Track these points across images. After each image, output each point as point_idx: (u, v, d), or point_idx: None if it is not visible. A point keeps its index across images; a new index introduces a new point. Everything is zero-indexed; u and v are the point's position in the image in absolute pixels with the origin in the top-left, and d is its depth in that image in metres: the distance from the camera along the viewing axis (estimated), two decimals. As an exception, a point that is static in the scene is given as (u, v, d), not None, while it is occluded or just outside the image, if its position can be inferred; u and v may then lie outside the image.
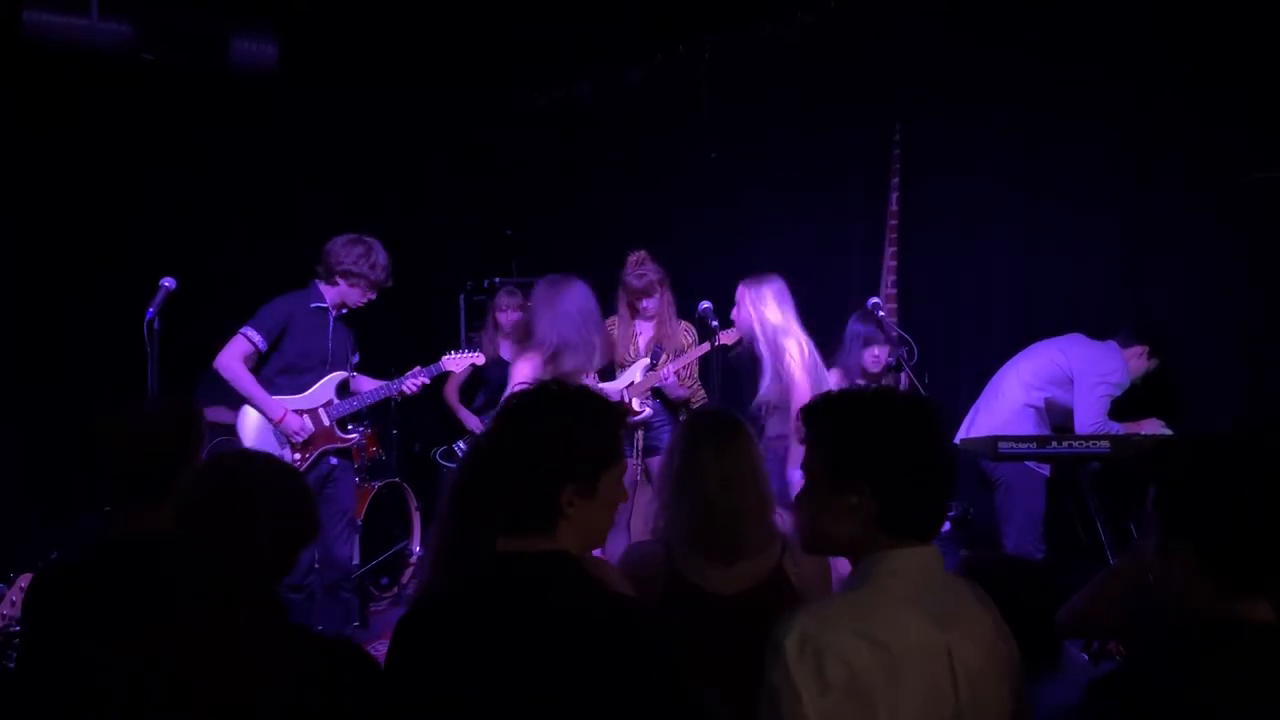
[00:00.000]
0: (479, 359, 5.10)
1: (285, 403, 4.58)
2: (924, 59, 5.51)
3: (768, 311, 4.42)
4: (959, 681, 1.59)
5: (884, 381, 5.12)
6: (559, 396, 1.80)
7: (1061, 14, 5.06)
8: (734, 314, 4.55)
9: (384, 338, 4.97)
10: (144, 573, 2.11)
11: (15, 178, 5.66)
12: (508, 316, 5.80)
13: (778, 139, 6.31)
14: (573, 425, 1.74)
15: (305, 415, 4.61)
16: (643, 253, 5.16)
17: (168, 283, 4.33)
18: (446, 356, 4.99)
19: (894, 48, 5.58)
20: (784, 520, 2.55)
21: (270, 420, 4.52)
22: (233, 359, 4.47)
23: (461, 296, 7.07)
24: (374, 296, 4.72)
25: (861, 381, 5.11)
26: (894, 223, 5.88)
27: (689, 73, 6.38)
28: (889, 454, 1.67)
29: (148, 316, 4.22)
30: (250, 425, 4.58)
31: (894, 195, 5.86)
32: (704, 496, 2.40)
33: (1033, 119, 5.28)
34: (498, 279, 6.84)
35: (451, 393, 5.80)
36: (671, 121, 6.64)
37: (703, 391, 5.13)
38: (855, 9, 5.61)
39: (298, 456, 4.57)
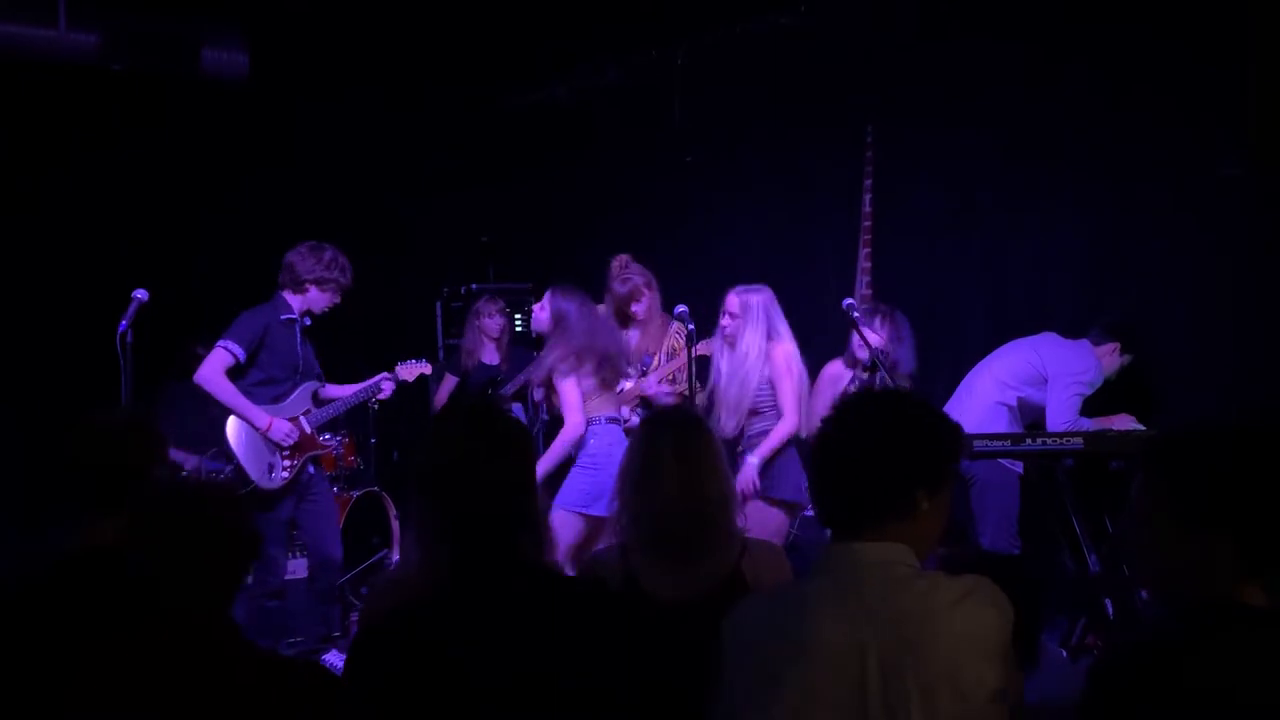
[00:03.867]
0: (426, 368, 5.14)
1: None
2: (897, 60, 5.53)
3: (775, 317, 4.43)
4: (869, 683, 1.58)
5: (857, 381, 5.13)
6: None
7: (1034, 12, 5.10)
8: (726, 322, 4.49)
9: (361, 345, 4.98)
10: (98, 588, 2.08)
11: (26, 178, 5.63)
12: (495, 323, 5.82)
13: (752, 141, 6.32)
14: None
15: (289, 421, 4.64)
16: (625, 257, 5.13)
17: (140, 294, 4.32)
18: (400, 365, 5.03)
19: (867, 49, 5.60)
20: (744, 520, 2.54)
21: (257, 429, 4.53)
22: (215, 372, 4.48)
23: (438, 303, 7.05)
24: (339, 301, 4.75)
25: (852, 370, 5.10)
26: (868, 224, 5.90)
27: (663, 76, 6.39)
28: (814, 450, 1.79)
29: (120, 329, 4.20)
30: (238, 437, 4.58)
31: (867, 197, 5.89)
32: (661, 498, 2.37)
33: (1005, 118, 5.31)
34: (474, 285, 6.84)
35: (440, 402, 5.81)
36: (646, 125, 6.65)
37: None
38: (828, 11, 5.64)
39: (287, 463, 4.61)
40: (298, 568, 5.28)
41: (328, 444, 4.81)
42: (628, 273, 5.04)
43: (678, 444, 2.44)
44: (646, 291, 5.02)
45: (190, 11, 5.78)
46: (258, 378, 4.59)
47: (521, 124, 7.19)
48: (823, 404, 4.63)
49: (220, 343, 4.50)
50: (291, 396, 4.67)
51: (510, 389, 5.50)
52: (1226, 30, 4.53)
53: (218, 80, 5.85)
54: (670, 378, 5.02)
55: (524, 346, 6.24)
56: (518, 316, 6.94)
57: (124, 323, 4.22)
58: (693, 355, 4.43)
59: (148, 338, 4.40)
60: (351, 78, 6.45)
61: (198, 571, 1.81)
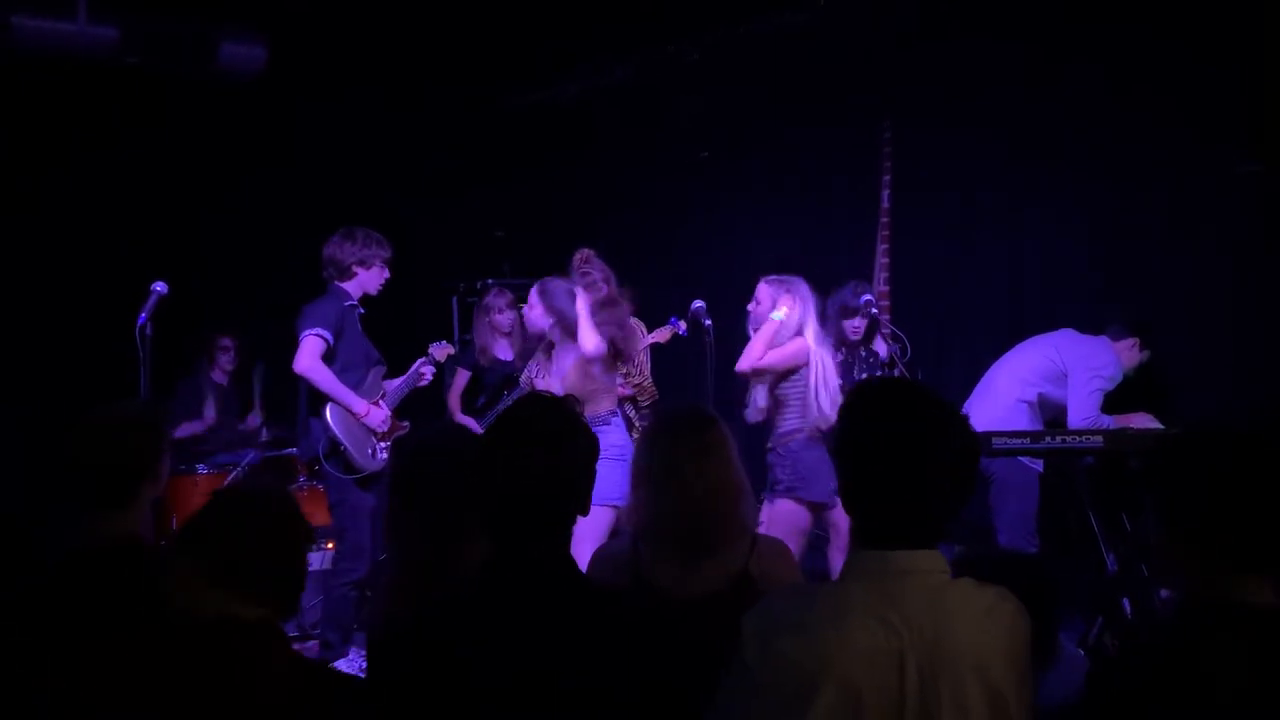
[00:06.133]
0: (450, 349, 5.25)
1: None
2: (913, 56, 5.51)
3: (806, 310, 4.42)
4: (907, 692, 1.57)
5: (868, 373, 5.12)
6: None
7: (1043, 13, 5.07)
8: (752, 307, 4.50)
9: (378, 341, 4.98)
10: (102, 586, 2.07)
11: (24, 179, 5.65)
12: (505, 318, 5.81)
13: (767, 137, 6.31)
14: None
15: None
16: (588, 251, 5.09)
17: (159, 287, 4.33)
18: (432, 347, 5.10)
19: (883, 45, 5.59)
20: (757, 517, 2.53)
21: (355, 414, 4.58)
22: (313, 359, 4.46)
23: (454, 299, 7.06)
24: (389, 274, 4.77)
25: (841, 352, 5.09)
26: (886, 220, 5.89)
27: (678, 72, 6.38)
28: (849, 456, 1.72)
29: (139, 321, 4.21)
30: (339, 424, 4.59)
31: (885, 193, 5.88)
32: (672, 495, 2.37)
33: (1020, 113, 5.30)
34: (490, 280, 6.84)
35: (454, 398, 5.82)
36: (661, 121, 6.64)
37: (653, 388, 5.13)
38: (843, 9, 5.62)
39: (383, 445, 4.71)
40: (314, 560, 5.31)
41: (404, 424, 4.89)
42: (588, 267, 5.02)
43: (690, 441, 2.43)
44: (605, 287, 4.99)
45: (209, 7, 5.80)
46: (337, 367, 4.59)
47: (530, 122, 7.20)
48: None
49: (308, 332, 4.46)
50: (367, 382, 4.72)
51: (526, 389, 5.52)
52: (1239, 28, 4.51)
53: (235, 75, 5.86)
54: (623, 371, 5.03)
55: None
56: (535, 311, 6.94)
57: (143, 315, 4.23)
58: (707, 349, 4.46)
59: (159, 333, 4.40)
60: (367, 74, 6.46)
61: (254, 567, 1.77)
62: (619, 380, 4.79)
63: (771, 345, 4.36)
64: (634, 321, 5.25)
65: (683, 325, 4.77)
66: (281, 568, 1.83)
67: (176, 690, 1.69)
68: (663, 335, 5.16)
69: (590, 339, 4.33)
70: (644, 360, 5.20)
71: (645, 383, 5.16)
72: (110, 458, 2.26)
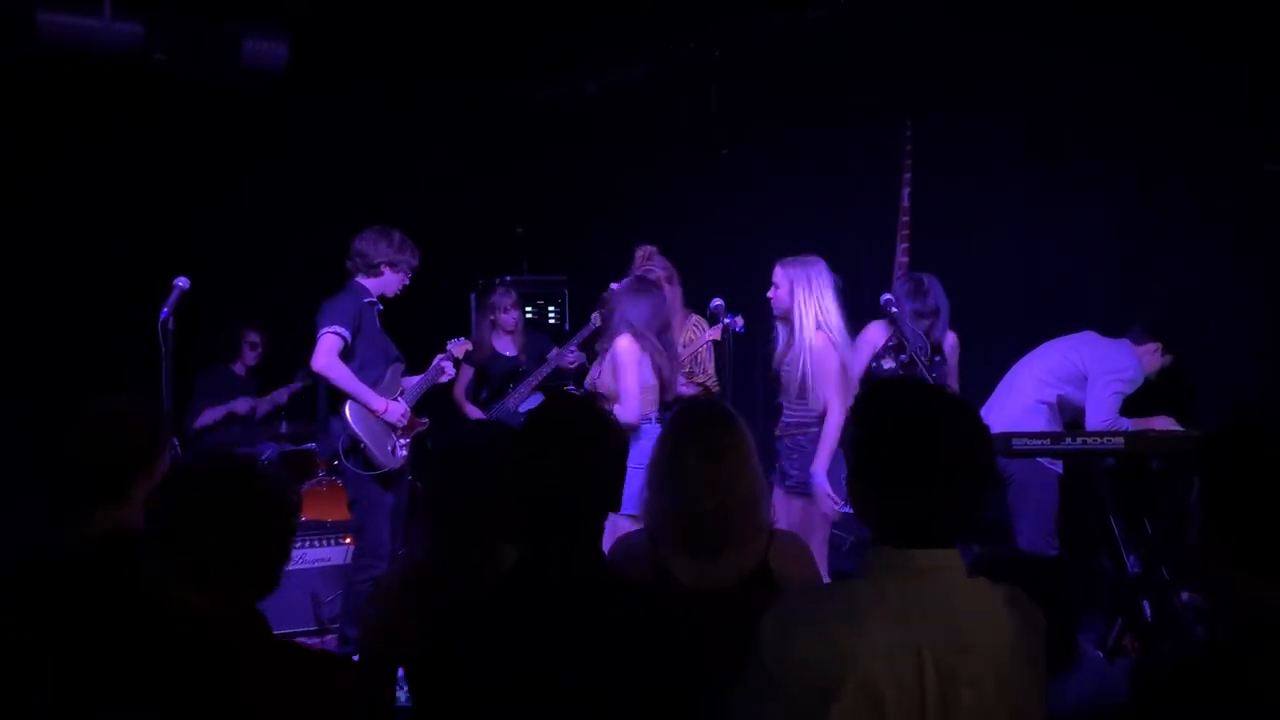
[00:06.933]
0: (469, 345, 5.27)
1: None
2: (934, 54, 5.49)
3: (825, 298, 4.28)
4: (927, 689, 1.57)
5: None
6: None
7: (1059, 11, 5.04)
8: (772, 294, 4.37)
9: (396, 338, 5.00)
10: (101, 577, 2.06)
11: (30, 178, 5.69)
12: (511, 316, 5.86)
13: (788, 135, 6.30)
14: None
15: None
16: (650, 248, 5.13)
17: (181, 282, 4.35)
18: (450, 344, 5.12)
19: (904, 43, 5.57)
20: (774, 512, 2.52)
21: (374, 411, 4.58)
22: (330, 357, 4.46)
23: (472, 295, 7.08)
24: (408, 283, 4.79)
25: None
26: (906, 219, 5.86)
27: (699, 69, 6.37)
28: (863, 452, 1.70)
29: (162, 316, 4.23)
30: (359, 421, 4.58)
31: (905, 191, 5.85)
32: (687, 494, 2.37)
33: (1042, 113, 5.26)
34: (509, 277, 6.86)
35: (460, 391, 5.86)
36: (682, 118, 6.64)
37: (717, 386, 5.09)
38: (865, 4, 5.60)
39: (403, 442, 4.72)
40: (336, 555, 5.33)
41: (423, 421, 4.89)
42: (650, 264, 5.03)
43: (706, 440, 2.43)
44: (667, 285, 4.99)
45: (232, 4, 5.83)
46: (355, 364, 4.58)
47: (558, 116, 7.21)
48: (859, 366, 4.56)
49: (325, 330, 4.46)
50: (385, 380, 4.72)
51: (536, 380, 5.55)
52: (1264, 25, 4.46)
53: (257, 72, 5.89)
54: (686, 370, 5.00)
55: (542, 334, 6.29)
56: (551, 308, 6.97)
57: (165, 311, 4.25)
58: (702, 345, 4.40)
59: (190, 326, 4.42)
60: (387, 70, 6.47)
61: (230, 555, 1.73)
62: (680, 380, 4.74)
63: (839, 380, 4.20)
64: (695, 319, 5.24)
65: (739, 322, 4.72)
66: (254, 563, 1.78)
67: (168, 687, 1.68)
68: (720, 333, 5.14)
69: (630, 410, 4.18)
70: (706, 358, 5.15)
71: (709, 381, 5.13)
72: (109, 459, 2.24)
